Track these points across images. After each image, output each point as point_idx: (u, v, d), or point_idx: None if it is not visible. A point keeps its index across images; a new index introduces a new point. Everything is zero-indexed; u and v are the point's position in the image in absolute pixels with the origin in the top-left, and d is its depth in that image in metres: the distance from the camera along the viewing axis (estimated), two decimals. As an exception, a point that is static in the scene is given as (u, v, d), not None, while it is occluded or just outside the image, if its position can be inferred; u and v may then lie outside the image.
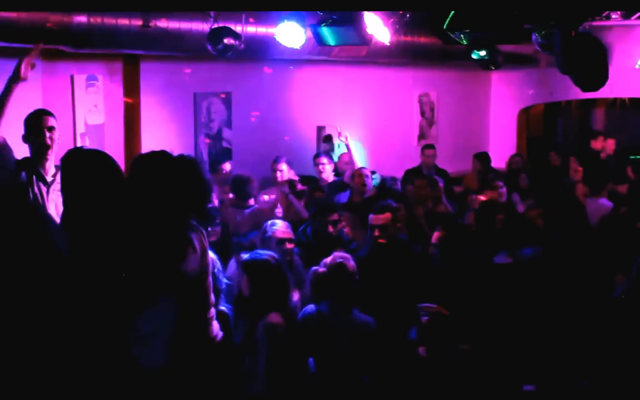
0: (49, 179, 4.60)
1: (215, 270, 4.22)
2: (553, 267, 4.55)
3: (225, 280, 4.32)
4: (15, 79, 4.41)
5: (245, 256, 4.23)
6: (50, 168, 4.64)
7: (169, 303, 2.90)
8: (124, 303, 2.73)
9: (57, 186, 4.50)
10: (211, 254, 4.28)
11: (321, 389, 4.11)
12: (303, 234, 5.60)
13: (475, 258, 4.59)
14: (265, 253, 4.24)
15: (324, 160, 7.87)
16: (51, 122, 4.63)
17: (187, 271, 2.98)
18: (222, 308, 4.22)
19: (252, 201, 6.84)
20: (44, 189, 4.55)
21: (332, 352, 4.12)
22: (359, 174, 7.25)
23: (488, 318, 4.16)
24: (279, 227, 4.93)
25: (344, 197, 7.42)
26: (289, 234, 4.91)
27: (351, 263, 4.26)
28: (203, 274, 3.12)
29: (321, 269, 4.19)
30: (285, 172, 7.35)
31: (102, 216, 2.86)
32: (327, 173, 7.79)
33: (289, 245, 4.87)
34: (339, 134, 7.85)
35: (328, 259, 4.24)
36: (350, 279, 4.20)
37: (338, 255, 4.30)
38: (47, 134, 4.59)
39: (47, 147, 4.59)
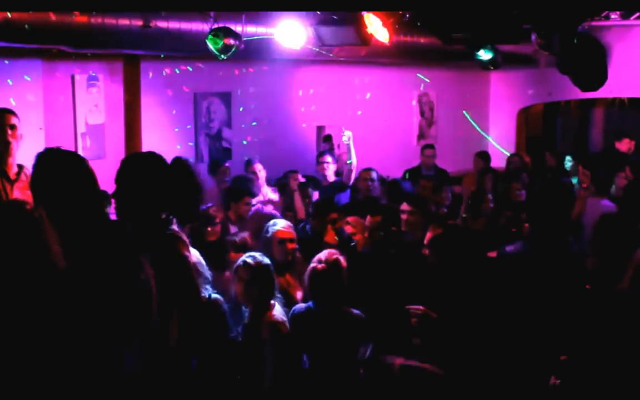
0: (12, 176, 4.66)
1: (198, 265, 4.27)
2: (538, 264, 4.56)
3: (209, 272, 4.37)
4: None
5: (245, 258, 4.23)
6: (13, 166, 4.71)
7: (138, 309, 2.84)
8: (89, 306, 2.69)
9: (20, 184, 4.56)
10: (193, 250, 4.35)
11: (316, 384, 4.13)
12: (302, 231, 5.62)
13: (469, 257, 4.59)
14: (258, 255, 4.26)
15: (328, 158, 7.87)
16: (13, 120, 4.75)
17: (154, 276, 2.88)
18: (216, 296, 4.28)
19: (253, 201, 6.87)
20: (7, 186, 4.62)
21: (325, 347, 4.14)
22: (364, 177, 7.26)
23: (481, 316, 4.17)
24: (281, 227, 4.93)
25: (344, 197, 7.43)
26: (291, 234, 4.91)
27: (343, 259, 4.29)
28: (174, 279, 3.01)
29: (320, 266, 4.20)
30: (262, 172, 7.39)
31: (70, 217, 2.85)
32: (330, 172, 7.80)
33: (291, 246, 4.87)
34: (342, 133, 7.88)
35: (323, 256, 4.26)
36: (344, 275, 4.23)
37: (332, 251, 4.32)
38: (9, 132, 4.68)
39: (8, 144, 4.67)
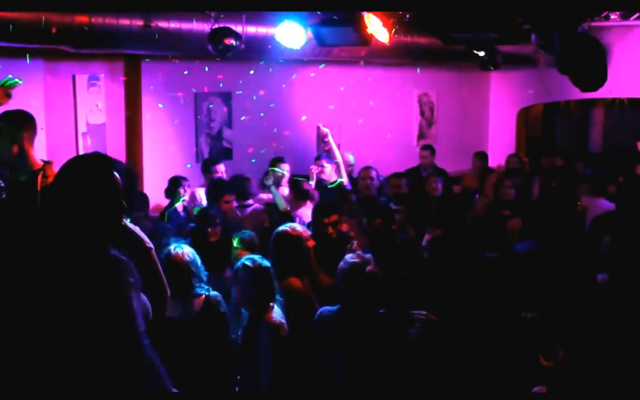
0: None
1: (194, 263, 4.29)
2: (542, 262, 4.58)
3: (204, 272, 4.36)
4: None
5: (244, 261, 4.23)
6: None
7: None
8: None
9: None
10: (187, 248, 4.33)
11: (340, 386, 4.12)
12: None
13: (466, 257, 4.62)
14: (258, 257, 4.26)
15: (323, 162, 7.88)
16: None
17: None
18: (215, 294, 4.30)
19: (250, 200, 6.87)
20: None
21: (351, 349, 4.12)
22: (363, 175, 7.25)
23: (479, 315, 4.19)
24: (299, 228, 4.92)
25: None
26: (308, 234, 4.90)
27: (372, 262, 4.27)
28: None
29: (367, 268, 4.18)
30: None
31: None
32: (328, 175, 7.80)
33: (310, 244, 4.86)
34: (321, 132, 7.85)
35: (361, 258, 4.23)
36: (374, 279, 4.21)
37: (360, 254, 4.30)
38: None
39: None
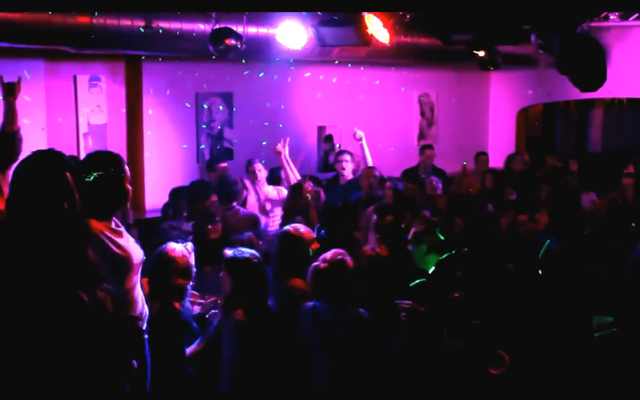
0: None
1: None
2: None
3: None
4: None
5: (228, 253, 4.22)
6: None
7: None
8: None
9: None
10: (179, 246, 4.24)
11: (318, 382, 4.14)
12: (317, 235, 5.62)
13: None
14: (247, 251, 4.23)
15: (347, 157, 7.86)
16: None
17: None
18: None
19: (234, 203, 6.83)
20: None
21: (328, 347, 4.15)
22: (366, 174, 7.28)
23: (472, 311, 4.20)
24: (302, 229, 4.93)
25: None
26: (312, 236, 4.90)
27: (349, 260, 4.29)
28: None
29: (322, 265, 4.21)
30: (262, 172, 7.41)
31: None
32: (348, 171, 7.80)
33: (314, 246, 4.85)
34: (357, 136, 7.93)
35: (328, 255, 4.26)
36: (349, 275, 4.24)
37: (338, 251, 4.32)
38: None
39: None
